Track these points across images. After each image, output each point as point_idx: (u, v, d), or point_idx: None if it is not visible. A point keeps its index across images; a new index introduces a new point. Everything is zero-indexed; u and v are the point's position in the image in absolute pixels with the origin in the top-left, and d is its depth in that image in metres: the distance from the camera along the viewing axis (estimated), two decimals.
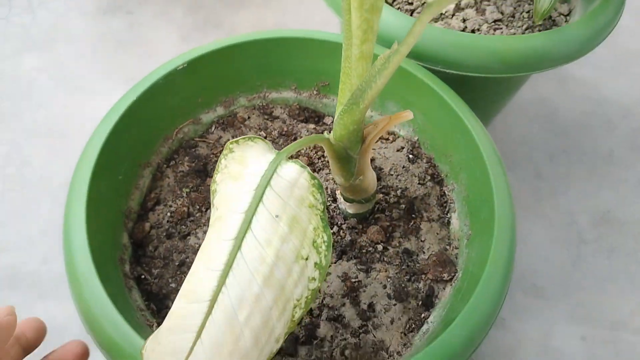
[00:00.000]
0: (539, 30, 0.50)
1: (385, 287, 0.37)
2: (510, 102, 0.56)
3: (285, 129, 0.43)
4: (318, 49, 0.42)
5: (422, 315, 0.36)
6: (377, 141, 0.43)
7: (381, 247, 0.38)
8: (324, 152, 0.42)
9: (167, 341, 0.26)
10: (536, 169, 0.61)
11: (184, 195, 0.40)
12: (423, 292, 0.37)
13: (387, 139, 0.43)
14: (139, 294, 0.36)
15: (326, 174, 0.41)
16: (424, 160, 0.42)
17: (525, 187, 0.59)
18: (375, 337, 0.35)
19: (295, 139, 0.43)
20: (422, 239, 0.39)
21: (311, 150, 0.42)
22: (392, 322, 0.36)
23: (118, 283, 0.35)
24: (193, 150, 0.42)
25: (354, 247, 0.38)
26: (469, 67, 0.42)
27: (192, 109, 0.42)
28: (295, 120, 0.44)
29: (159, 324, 0.33)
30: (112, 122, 0.37)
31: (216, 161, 0.41)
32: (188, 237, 0.38)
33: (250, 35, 0.41)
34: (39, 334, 0.33)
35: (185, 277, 0.29)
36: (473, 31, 0.49)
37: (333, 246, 0.38)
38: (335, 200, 0.40)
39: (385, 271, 0.37)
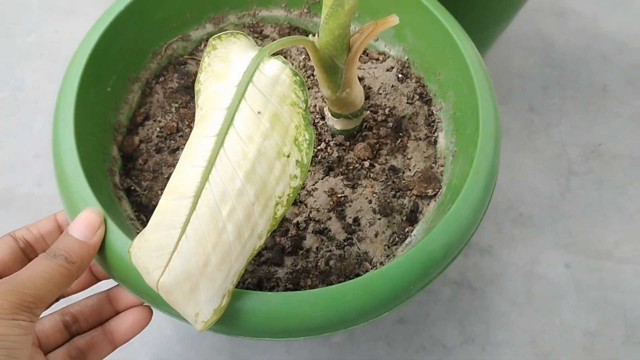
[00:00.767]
0: None
1: (370, 202, 0.37)
2: (506, 30, 0.55)
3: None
4: None
5: (406, 229, 0.37)
6: (367, 62, 0.43)
7: (368, 164, 0.38)
8: (313, 71, 0.42)
9: (153, 238, 0.27)
10: (530, 101, 0.61)
11: (173, 111, 0.40)
12: (407, 207, 0.37)
13: (377, 59, 0.43)
14: (129, 205, 0.36)
15: (315, 92, 0.41)
16: (413, 80, 0.42)
17: (519, 120, 0.60)
18: (359, 249, 0.36)
19: (285, 58, 0.43)
20: (409, 157, 0.39)
21: (300, 69, 0.42)
22: (376, 235, 0.36)
23: (108, 192, 0.35)
24: (182, 67, 0.42)
25: (341, 163, 0.39)
26: None
27: (181, 24, 0.42)
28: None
29: None
30: (99, 33, 0.36)
31: None
32: (177, 152, 0.39)
33: None
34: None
35: None
36: None
37: (320, 162, 0.38)
38: (323, 117, 0.40)
39: (371, 187, 0.38)
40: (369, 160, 0.39)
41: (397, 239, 0.36)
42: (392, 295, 0.29)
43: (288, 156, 0.26)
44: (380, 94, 0.41)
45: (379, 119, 0.40)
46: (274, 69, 0.26)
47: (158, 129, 0.39)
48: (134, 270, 0.27)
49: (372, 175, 0.38)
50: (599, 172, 0.57)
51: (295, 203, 0.37)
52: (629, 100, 0.62)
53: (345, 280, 0.33)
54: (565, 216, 0.55)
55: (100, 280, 0.36)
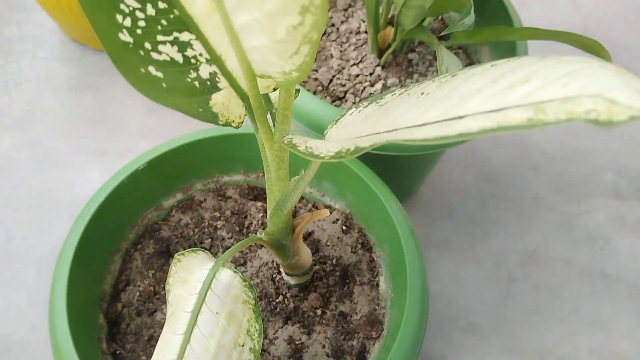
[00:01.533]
0: None
1: (324, 346, 0.43)
2: (437, 163, 0.64)
3: (237, 207, 0.50)
4: None
5: None
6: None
7: (320, 312, 0.45)
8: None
9: None
10: (470, 215, 0.68)
11: (150, 275, 0.46)
12: (356, 349, 0.44)
13: None
14: None
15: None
16: (356, 230, 0.49)
17: (461, 233, 0.67)
18: None
19: (245, 216, 0.50)
20: (355, 302, 0.46)
21: (259, 226, 0.49)
22: None
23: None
24: (157, 233, 0.48)
25: (297, 312, 0.45)
26: (390, 149, 0.49)
27: (154, 198, 0.49)
28: (246, 199, 0.51)
29: None
30: (85, 221, 0.43)
31: (177, 242, 0.48)
32: (155, 313, 0.45)
33: (204, 133, 0.48)
34: None
35: (154, 350, 0.36)
36: None
37: (279, 313, 0.45)
38: (280, 272, 0.46)
39: (324, 332, 0.44)
40: (320, 308, 0.45)
41: None
42: None
43: (242, 345, 0.33)
44: (328, 245, 0.48)
45: (328, 269, 0.47)
46: (227, 277, 0.33)
47: (138, 293, 0.46)
48: None
49: (324, 321, 0.45)
50: (535, 276, 0.64)
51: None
52: (558, 207, 0.70)
53: None
54: (509, 321, 0.61)
55: None
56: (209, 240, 0.48)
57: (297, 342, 0.44)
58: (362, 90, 0.57)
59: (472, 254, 0.66)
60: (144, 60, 0.23)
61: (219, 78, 0.27)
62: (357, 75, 0.58)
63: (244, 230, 0.49)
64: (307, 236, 0.48)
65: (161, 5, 0.24)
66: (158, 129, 0.73)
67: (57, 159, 0.70)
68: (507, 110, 0.19)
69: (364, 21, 0.63)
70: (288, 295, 0.46)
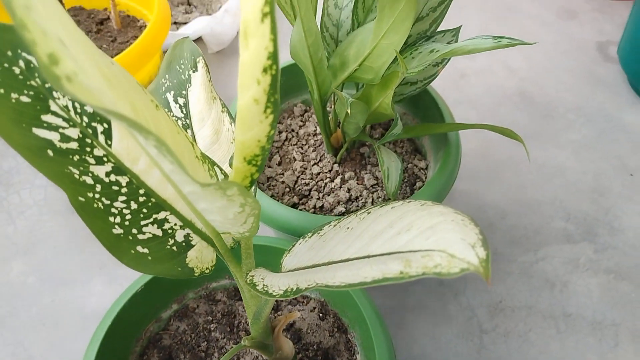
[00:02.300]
0: (407, 186, 0.66)
1: None
2: None
3: (227, 309, 0.57)
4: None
5: None
6: (296, 305, 0.58)
7: None
8: None
9: None
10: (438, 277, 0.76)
11: None
12: None
13: (303, 302, 0.58)
14: None
15: None
16: (332, 316, 0.56)
17: (432, 295, 0.74)
18: None
19: (234, 316, 0.57)
20: None
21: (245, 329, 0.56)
22: None
23: None
24: (159, 342, 0.56)
25: None
26: None
27: (154, 311, 0.56)
28: (233, 300, 0.58)
29: None
30: (98, 342, 0.50)
31: (178, 348, 0.55)
32: None
33: None
34: None
35: None
36: (357, 198, 0.65)
37: None
38: None
39: None
40: None
41: None
42: None
43: None
44: (309, 332, 0.55)
45: (311, 354, 0.54)
46: None
47: None
48: None
49: None
50: (504, 326, 0.71)
51: None
52: (516, 258, 0.77)
53: None
54: None
55: None
56: (205, 343, 0.55)
57: None
58: (324, 187, 0.66)
59: (445, 312, 0.73)
60: (133, 243, 0.31)
61: (192, 237, 0.35)
62: (319, 174, 0.67)
63: (235, 330, 0.56)
64: (290, 327, 0.56)
65: (141, 198, 0.32)
66: None
67: (63, 277, 0.77)
68: (390, 261, 0.28)
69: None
70: None
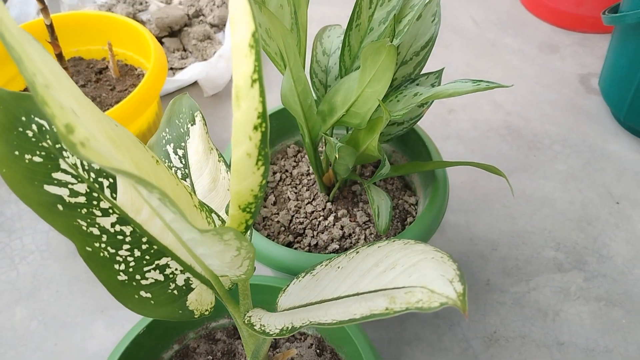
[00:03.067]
0: (398, 222, 0.69)
1: None
2: None
3: (226, 348, 0.59)
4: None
5: None
6: (293, 342, 0.60)
7: None
8: None
9: None
10: None
11: None
12: None
13: (300, 339, 0.60)
14: None
15: None
16: (328, 352, 0.58)
17: (428, 327, 0.76)
18: None
19: (234, 355, 0.59)
20: None
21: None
22: None
23: None
24: None
25: None
26: None
27: (155, 352, 0.58)
28: (232, 339, 0.60)
29: None
30: None
31: None
32: None
33: None
34: None
35: None
36: (350, 235, 0.67)
37: None
38: None
39: None
40: None
41: None
42: None
43: None
44: None
45: None
46: None
47: None
48: None
49: None
50: (498, 356, 0.73)
51: None
52: (508, 289, 0.79)
53: None
54: None
55: None
56: None
57: None
58: (318, 225, 0.68)
59: (441, 344, 0.74)
60: (136, 288, 0.33)
61: (192, 280, 0.37)
62: (312, 212, 0.69)
63: None
64: None
65: (144, 246, 0.34)
66: None
67: (65, 321, 0.79)
68: (376, 298, 0.30)
69: None
70: None
